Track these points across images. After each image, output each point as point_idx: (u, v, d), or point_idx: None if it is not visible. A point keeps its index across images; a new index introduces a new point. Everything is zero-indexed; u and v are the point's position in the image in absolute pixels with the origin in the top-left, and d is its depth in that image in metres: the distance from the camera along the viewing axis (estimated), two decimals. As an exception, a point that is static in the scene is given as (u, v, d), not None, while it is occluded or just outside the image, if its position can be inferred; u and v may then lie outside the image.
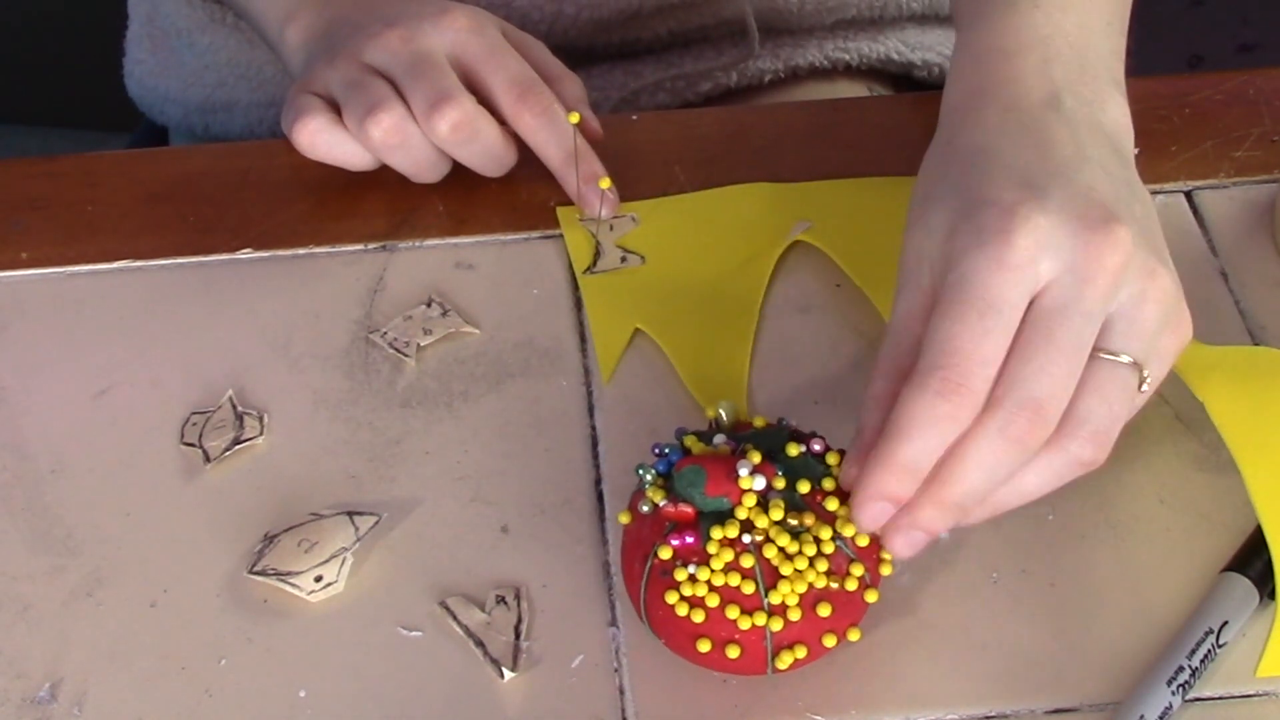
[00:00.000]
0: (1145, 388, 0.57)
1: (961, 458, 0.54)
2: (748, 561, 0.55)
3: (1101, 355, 0.55)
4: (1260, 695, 0.58)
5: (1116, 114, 0.63)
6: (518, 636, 0.60)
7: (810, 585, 0.55)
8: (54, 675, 0.60)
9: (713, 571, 0.55)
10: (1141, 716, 0.56)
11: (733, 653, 0.55)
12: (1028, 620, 0.60)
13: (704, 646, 0.56)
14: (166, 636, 0.61)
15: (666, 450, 0.58)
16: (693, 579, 0.55)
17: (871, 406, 0.56)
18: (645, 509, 0.57)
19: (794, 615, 0.55)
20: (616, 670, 0.60)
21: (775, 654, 0.56)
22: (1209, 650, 0.58)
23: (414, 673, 0.60)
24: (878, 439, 0.55)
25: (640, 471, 0.57)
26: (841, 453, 0.58)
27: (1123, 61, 0.66)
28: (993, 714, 0.58)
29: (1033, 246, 0.55)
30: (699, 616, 0.55)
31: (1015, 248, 0.55)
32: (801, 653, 0.56)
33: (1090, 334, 0.55)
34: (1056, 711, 0.58)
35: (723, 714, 0.58)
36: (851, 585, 0.56)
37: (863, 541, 0.56)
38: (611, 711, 0.58)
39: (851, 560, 0.56)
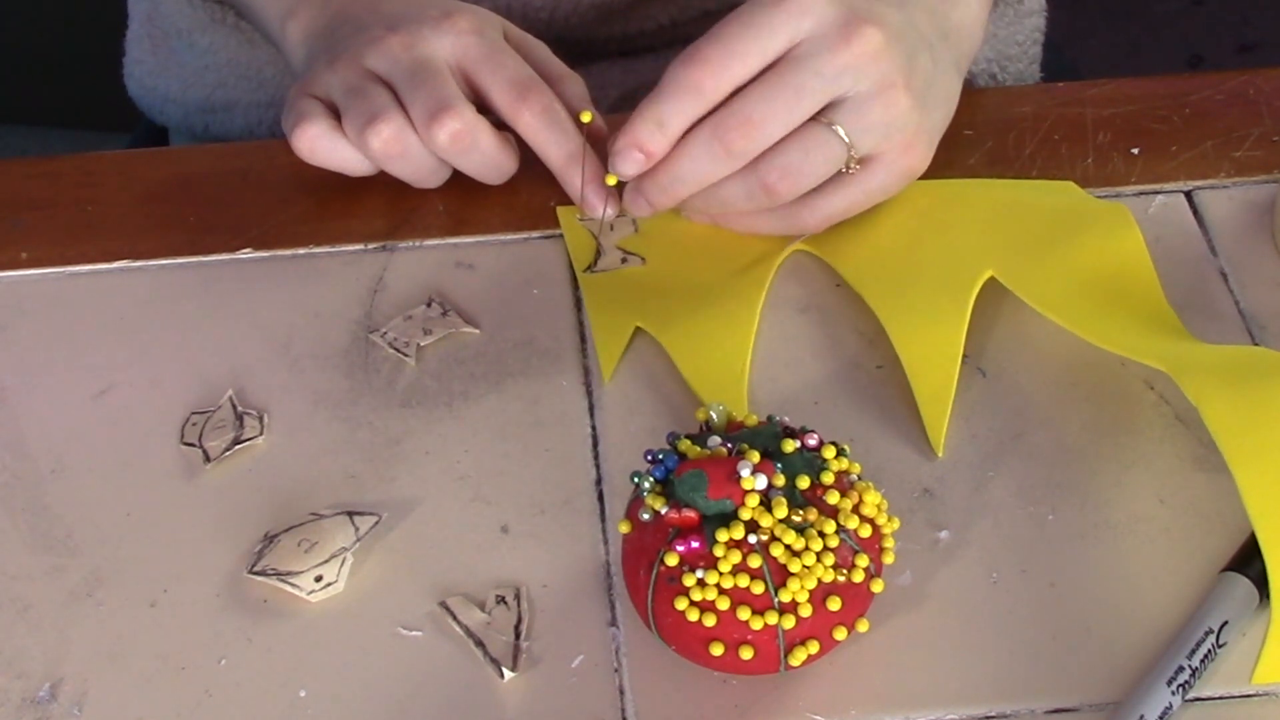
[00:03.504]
0: (853, 168, 0.69)
1: (682, 145, 0.67)
2: (755, 562, 0.55)
3: (821, 121, 0.67)
4: (1260, 695, 0.58)
5: (963, 14, 0.74)
6: (518, 636, 0.60)
7: (819, 580, 0.55)
8: (54, 675, 0.60)
9: (721, 574, 0.55)
10: (1141, 716, 0.56)
11: (746, 654, 0.55)
12: (1028, 620, 0.60)
13: (717, 650, 0.56)
14: (166, 636, 0.61)
15: (661, 456, 0.58)
16: (701, 583, 0.55)
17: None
18: (646, 517, 0.57)
19: (805, 611, 0.55)
20: (616, 670, 0.60)
21: (788, 651, 0.56)
22: (1209, 650, 0.58)
23: (414, 673, 0.60)
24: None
25: (637, 480, 0.57)
26: (836, 445, 0.58)
27: None
28: (993, 714, 0.58)
29: (807, 2, 0.67)
30: (710, 620, 0.55)
31: None
32: (814, 648, 0.56)
33: (816, 89, 0.66)
34: (1056, 711, 0.58)
35: (723, 714, 0.58)
36: (858, 577, 0.56)
37: (865, 533, 0.56)
38: (611, 711, 0.58)
39: (856, 552, 0.56)
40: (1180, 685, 0.57)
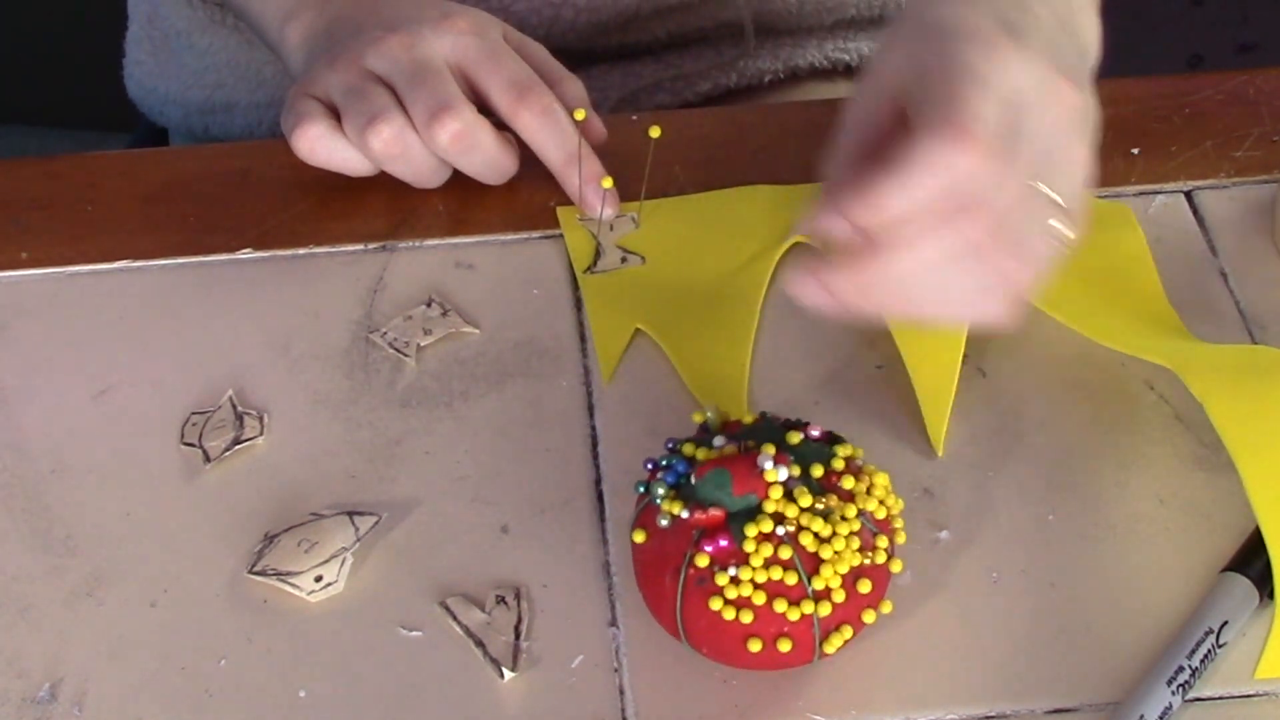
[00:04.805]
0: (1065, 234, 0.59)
1: (900, 239, 0.56)
2: (786, 553, 0.55)
3: (1043, 187, 0.57)
4: (1260, 695, 0.58)
5: (1085, 21, 0.66)
6: (518, 636, 0.60)
7: (849, 565, 0.55)
8: (54, 675, 0.60)
9: (754, 569, 0.55)
10: (1141, 716, 0.56)
11: (784, 646, 0.55)
12: (1028, 620, 0.60)
13: (755, 646, 0.56)
14: (166, 636, 0.61)
15: (669, 462, 0.58)
16: (735, 580, 0.55)
17: (842, 161, 0.59)
18: (665, 523, 0.56)
19: (838, 597, 0.55)
20: (616, 670, 0.60)
21: (824, 639, 0.56)
22: (1209, 650, 0.58)
23: (414, 673, 0.60)
24: (851, 193, 0.57)
25: (648, 487, 0.57)
26: (832, 433, 0.58)
27: None
28: (993, 714, 0.58)
29: (1018, 61, 0.57)
30: (747, 617, 0.55)
31: (1004, 53, 0.57)
32: (848, 633, 0.56)
33: (1040, 159, 0.57)
34: (1056, 711, 0.58)
35: (723, 714, 0.58)
36: (880, 558, 0.56)
37: (881, 514, 0.57)
38: (611, 711, 0.58)
39: (875, 534, 0.56)
40: (1180, 685, 0.57)
